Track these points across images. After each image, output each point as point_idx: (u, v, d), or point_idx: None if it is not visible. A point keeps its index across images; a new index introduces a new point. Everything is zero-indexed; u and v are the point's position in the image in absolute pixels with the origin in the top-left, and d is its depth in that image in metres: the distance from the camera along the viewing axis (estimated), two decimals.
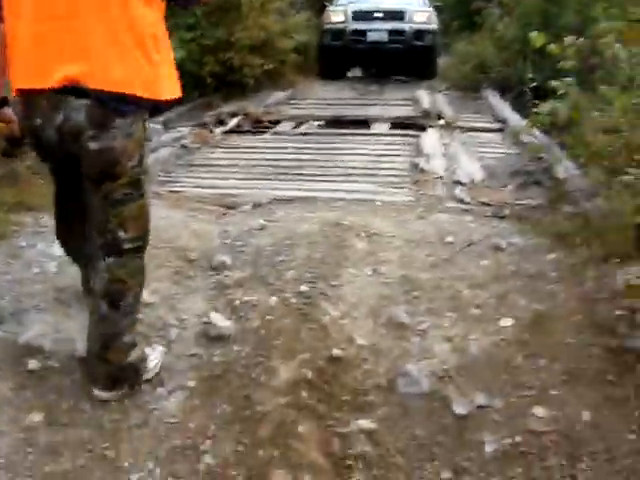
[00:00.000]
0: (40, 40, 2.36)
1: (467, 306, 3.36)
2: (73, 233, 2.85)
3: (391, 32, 12.36)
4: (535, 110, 4.60)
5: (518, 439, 2.58)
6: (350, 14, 12.62)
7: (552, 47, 4.17)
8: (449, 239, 4.11)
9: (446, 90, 11.58)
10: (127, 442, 2.60)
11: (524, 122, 6.46)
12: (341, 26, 12.55)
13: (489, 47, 11.67)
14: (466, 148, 6.57)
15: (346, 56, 12.91)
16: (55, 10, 2.33)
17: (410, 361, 2.96)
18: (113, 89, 2.36)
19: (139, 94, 2.40)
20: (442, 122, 8.03)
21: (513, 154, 6.35)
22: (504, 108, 8.76)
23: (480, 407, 2.74)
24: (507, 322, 3.19)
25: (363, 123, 8.44)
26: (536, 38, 4.19)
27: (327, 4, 13.70)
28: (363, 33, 12.38)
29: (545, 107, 4.25)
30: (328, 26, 12.77)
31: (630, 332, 2.89)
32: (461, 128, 7.73)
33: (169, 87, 2.55)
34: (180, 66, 7.83)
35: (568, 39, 4.02)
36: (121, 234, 2.58)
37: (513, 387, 2.83)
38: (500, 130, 7.63)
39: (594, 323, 3.05)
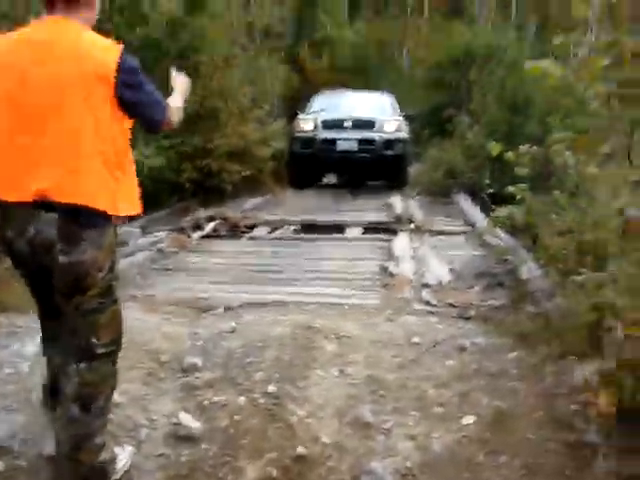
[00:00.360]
0: (14, 153, 2.50)
1: (431, 405, 3.44)
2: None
3: (361, 141, 12.35)
4: (493, 215, 4.82)
5: None
6: (320, 123, 12.62)
7: (509, 155, 4.42)
8: (415, 340, 4.22)
9: (418, 195, 11.92)
10: None
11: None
12: (311, 134, 12.55)
13: (459, 154, 12.13)
14: (435, 251, 6.76)
15: (316, 165, 12.85)
16: (29, 126, 2.49)
17: (374, 459, 3.02)
18: (80, 202, 2.47)
19: (102, 208, 2.51)
20: (413, 226, 8.26)
21: (480, 256, 6.55)
22: (474, 212, 9.05)
23: None
24: (469, 420, 3.27)
25: (337, 228, 8.64)
26: (493, 147, 4.45)
27: (299, 112, 13.79)
28: (333, 142, 12.38)
29: (502, 211, 4.46)
30: (298, 134, 12.78)
31: (587, 427, 2.98)
32: (431, 232, 7.97)
33: (129, 203, 2.65)
34: (159, 173, 8.09)
35: (523, 148, 4.27)
36: (94, 340, 2.64)
37: None
38: (466, 233, 7.87)
39: (553, 419, 3.15)
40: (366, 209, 10.23)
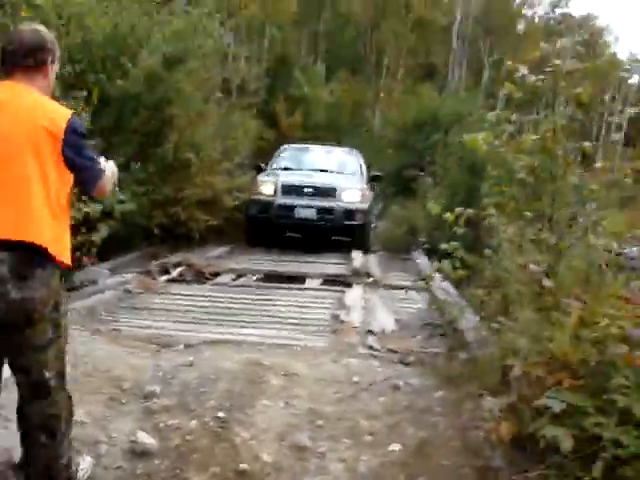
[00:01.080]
0: None
1: (362, 434, 3.87)
2: None
3: (320, 210, 11.73)
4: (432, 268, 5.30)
5: None
6: (280, 187, 11.95)
7: (447, 216, 4.93)
8: (355, 379, 4.66)
9: (380, 251, 12.39)
10: None
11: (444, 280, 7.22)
12: (269, 199, 11.89)
13: (420, 212, 12.67)
14: (384, 302, 7.24)
15: (273, 230, 12.20)
16: None
17: (307, 476, 3.43)
18: (36, 241, 2.67)
19: (52, 251, 2.72)
20: (370, 280, 8.73)
21: (428, 309, 7.02)
22: (429, 269, 9.52)
23: None
24: (395, 447, 3.70)
25: (298, 279, 9.09)
26: (432, 207, 4.96)
27: (262, 166, 13.37)
28: (291, 209, 11.74)
29: (435, 266, 4.95)
30: (256, 197, 12.11)
31: (493, 454, 3.42)
32: (385, 285, 8.44)
33: (67, 254, 2.85)
34: (130, 217, 8.49)
35: (458, 209, 4.78)
36: (46, 373, 2.85)
37: None
38: (421, 289, 8.33)
39: (466, 447, 3.59)
40: (328, 262, 10.67)
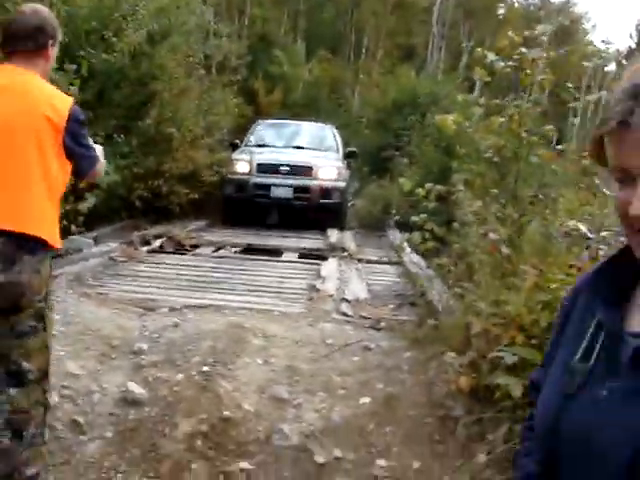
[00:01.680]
0: None
1: (336, 388, 4.21)
2: None
3: (296, 189, 11.58)
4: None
5: None
6: (255, 166, 11.77)
7: (419, 191, 5.25)
8: (329, 341, 4.99)
9: (356, 228, 12.71)
10: (52, 474, 3.30)
11: (416, 255, 7.60)
12: (245, 178, 11.69)
13: (395, 191, 12.97)
14: (359, 275, 7.58)
15: (249, 210, 11.88)
16: None
17: (284, 423, 3.76)
18: (23, 230, 2.68)
19: (45, 238, 2.75)
20: (345, 254, 9.05)
21: (400, 282, 7.38)
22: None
23: (336, 458, 3.57)
24: (366, 400, 4.05)
25: (276, 252, 9.40)
26: (404, 183, 5.29)
27: (238, 143, 13.11)
28: (267, 187, 11.56)
29: (404, 238, 5.29)
30: (231, 176, 11.94)
31: (454, 405, 3.78)
32: (360, 260, 8.78)
33: (58, 236, 2.90)
34: (113, 190, 8.72)
35: (428, 185, 5.11)
36: (25, 365, 2.74)
37: (364, 445, 3.67)
38: (394, 263, 8.69)
39: (430, 400, 3.95)
40: (305, 237, 10.97)
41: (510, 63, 4.76)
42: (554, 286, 3.39)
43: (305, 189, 11.62)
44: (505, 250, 3.91)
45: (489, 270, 4.01)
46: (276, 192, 11.56)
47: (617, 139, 0.98)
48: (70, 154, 2.88)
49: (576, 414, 1.03)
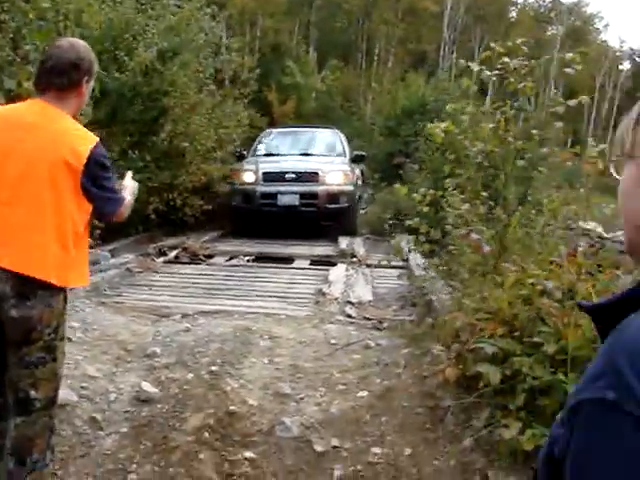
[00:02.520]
0: None
1: (336, 384, 4.49)
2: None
3: (303, 195, 11.47)
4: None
5: (359, 467, 3.67)
6: (261, 175, 11.72)
7: (415, 196, 5.53)
8: (332, 341, 5.28)
9: (366, 234, 12.93)
10: (72, 466, 3.60)
11: (422, 261, 7.84)
12: (251, 187, 11.65)
13: (405, 197, 13.19)
14: (365, 278, 7.86)
15: (257, 219, 11.79)
16: (8, 197, 2.75)
17: (286, 416, 4.04)
18: (30, 273, 2.71)
19: (52, 281, 2.75)
20: (354, 259, 9.32)
21: (404, 285, 7.64)
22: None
23: (334, 447, 3.83)
24: (363, 394, 4.32)
25: (288, 259, 9.70)
26: (399, 189, 5.57)
27: (245, 153, 13.18)
28: (274, 196, 11.45)
29: (399, 240, 5.59)
30: (238, 187, 11.89)
31: (444, 395, 4.04)
32: (368, 265, 9.04)
33: (79, 277, 2.94)
34: None
35: (422, 190, 5.38)
36: (32, 393, 2.81)
37: (360, 435, 3.93)
38: (401, 267, 8.93)
39: (422, 392, 4.21)
40: (316, 244, 11.20)
41: (495, 72, 5.03)
42: (531, 281, 3.65)
43: (312, 195, 11.54)
44: (486, 248, 4.17)
45: (471, 267, 4.27)
46: (283, 200, 11.48)
47: None
48: (88, 196, 2.86)
49: None
